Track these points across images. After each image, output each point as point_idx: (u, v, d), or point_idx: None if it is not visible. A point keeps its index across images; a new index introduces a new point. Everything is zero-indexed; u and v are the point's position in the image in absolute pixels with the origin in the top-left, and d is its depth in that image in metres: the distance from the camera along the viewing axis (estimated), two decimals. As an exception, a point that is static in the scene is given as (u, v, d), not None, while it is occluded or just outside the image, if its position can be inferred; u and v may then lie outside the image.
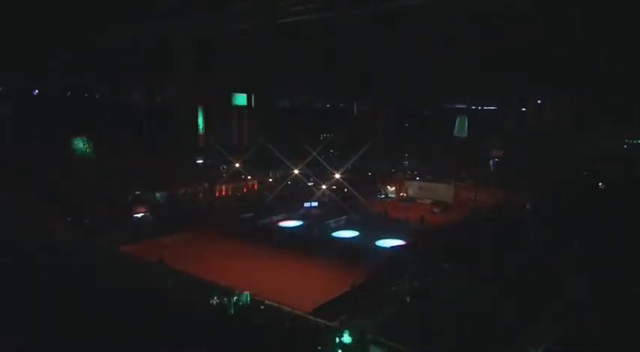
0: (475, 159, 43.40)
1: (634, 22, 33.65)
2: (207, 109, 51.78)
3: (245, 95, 54.71)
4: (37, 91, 40.03)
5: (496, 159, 44.09)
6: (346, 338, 13.14)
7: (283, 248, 25.40)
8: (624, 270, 17.25)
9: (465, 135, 51.07)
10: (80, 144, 38.32)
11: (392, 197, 40.03)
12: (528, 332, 13.73)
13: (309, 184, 36.87)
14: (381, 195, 40.15)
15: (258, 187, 38.97)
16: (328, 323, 14.47)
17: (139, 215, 29.08)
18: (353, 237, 28.38)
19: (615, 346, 13.36)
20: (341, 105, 62.62)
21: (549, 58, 41.09)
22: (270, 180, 39.43)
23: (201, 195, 35.34)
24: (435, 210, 34.95)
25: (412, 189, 39.85)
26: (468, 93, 49.16)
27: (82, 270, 18.11)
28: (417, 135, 51.96)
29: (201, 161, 44.44)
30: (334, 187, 36.89)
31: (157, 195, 31.70)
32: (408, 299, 16.45)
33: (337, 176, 35.98)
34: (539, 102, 52.12)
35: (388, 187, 40.70)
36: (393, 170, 44.46)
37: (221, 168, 40.09)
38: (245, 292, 16.17)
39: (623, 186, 32.32)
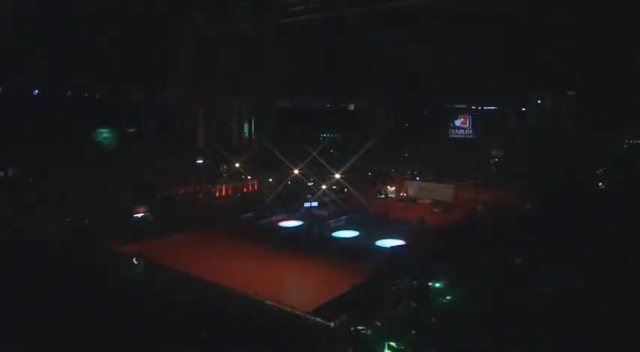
0: (475, 159, 43.41)
1: (634, 21, 33.59)
2: (207, 110, 51.71)
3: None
4: (37, 91, 39.91)
5: (496, 159, 44.14)
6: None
7: (283, 248, 25.43)
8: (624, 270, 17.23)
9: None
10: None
11: (392, 197, 40.03)
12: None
13: (309, 184, 36.88)
14: (381, 195, 40.13)
15: (258, 187, 39.00)
16: (328, 323, 14.46)
17: (139, 215, 29.12)
18: (353, 237, 28.37)
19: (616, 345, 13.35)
20: (341, 105, 62.51)
21: (549, 58, 41.06)
22: (270, 180, 39.44)
23: (201, 195, 35.37)
24: (436, 210, 34.93)
25: (412, 189, 39.81)
26: (469, 93, 49.05)
27: (81, 270, 18.10)
28: (417, 135, 51.89)
29: (201, 161, 44.45)
30: (334, 187, 36.92)
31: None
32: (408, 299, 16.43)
33: (337, 176, 35.99)
34: (539, 102, 52.06)
35: (388, 187, 40.68)
36: (393, 170, 44.43)
37: (221, 167, 40.09)
38: (245, 292, 16.15)
39: (623, 186, 32.26)
